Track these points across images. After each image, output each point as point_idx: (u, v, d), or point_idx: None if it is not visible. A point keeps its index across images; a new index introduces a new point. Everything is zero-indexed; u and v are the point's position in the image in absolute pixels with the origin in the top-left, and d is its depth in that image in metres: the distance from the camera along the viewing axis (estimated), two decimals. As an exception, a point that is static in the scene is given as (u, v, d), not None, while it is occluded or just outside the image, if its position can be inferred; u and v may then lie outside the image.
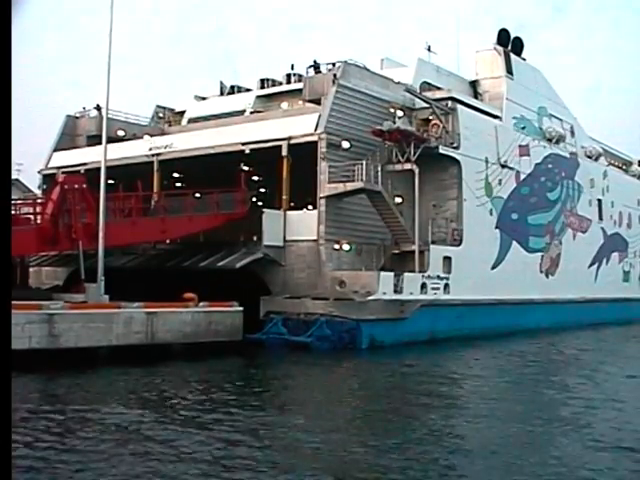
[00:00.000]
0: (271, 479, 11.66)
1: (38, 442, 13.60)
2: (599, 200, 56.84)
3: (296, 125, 35.75)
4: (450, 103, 39.76)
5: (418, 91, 40.08)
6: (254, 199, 42.53)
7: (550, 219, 48.95)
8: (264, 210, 35.56)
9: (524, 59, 50.56)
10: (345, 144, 35.01)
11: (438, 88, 42.22)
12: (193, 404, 18.37)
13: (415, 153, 36.02)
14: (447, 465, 12.79)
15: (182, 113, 52.06)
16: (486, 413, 18.09)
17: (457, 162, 39.20)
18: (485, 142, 41.74)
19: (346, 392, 22.17)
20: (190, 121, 49.94)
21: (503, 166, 43.31)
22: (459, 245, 38.56)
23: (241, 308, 30.88)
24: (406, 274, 33.92)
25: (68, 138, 46.72)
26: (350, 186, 33.74)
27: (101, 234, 29.20)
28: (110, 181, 33.09)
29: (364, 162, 33.71)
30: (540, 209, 47.63)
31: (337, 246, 34.27)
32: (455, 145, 38.96)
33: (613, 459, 13.33)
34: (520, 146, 45.61)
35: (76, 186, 31.40)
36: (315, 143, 34.42)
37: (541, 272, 47.70)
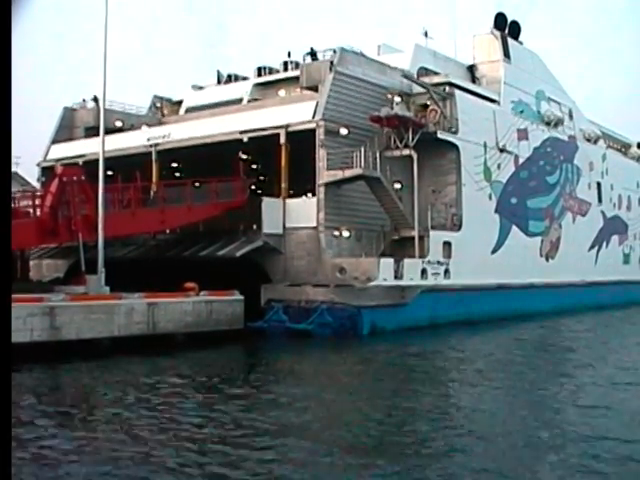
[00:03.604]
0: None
1: (38, 435, 13.66)
2: (598, 183, 56.80)
3: (294, 112, 35.69)
4: (448, 88, 39.66)
5: (415, 76, 39.98)
6: (253, 187, 42.53)
7: (549, 203, 48.95)
8: (263, 198, 35.57)
9: (521, 43, 50.41)
10: (343, 131, 34.97)
11: (435, 73, 42.13)
12: (198, 391, 18.50)
13: (413, 139, 35.99)
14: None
15: (179, 103, 51.95)
16: (480, 398, 18.28)
17: (455, 147, 39.14)
18: (483, 127, 41.67)
19: (347, 378, 22.24)
20: (188, 111, 49.84)
21: (502, 150, 43.25)
22: (459, 230, 38.57)
23: (242, 297, 31.00)
24: (406, 260, 33.94)
25: (66, 130, 46.68)
26: (349, 173, 33.73)
27: (100, 225, 29.20)
28: (109, 172, 33.01)
29: (362, 148, 33.68)
30: (539, 193, 47.61)
31: (337, 233, 34.30)
32: (453, 130, 38.90)
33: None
34: (518, 130, 45.55)
35: (74, 178, 31.37)
36: (313, 130, 34.37)
37: (541, 256, 47.73)
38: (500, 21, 48.72)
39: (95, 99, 44.20)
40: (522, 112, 47.15)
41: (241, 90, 47.88)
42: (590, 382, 20.36)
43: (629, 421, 15.19)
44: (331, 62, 35.56)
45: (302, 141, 34.22)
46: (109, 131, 35.71)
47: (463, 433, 13.89)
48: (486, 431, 14.10)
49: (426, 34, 46.58)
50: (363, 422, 14.82)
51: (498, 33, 47.82)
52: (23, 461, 11.40)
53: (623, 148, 67.63)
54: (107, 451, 12.32)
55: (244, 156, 40.86)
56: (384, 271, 32.24)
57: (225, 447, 12.61)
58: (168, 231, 37.62)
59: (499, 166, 43.06)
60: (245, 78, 50.54)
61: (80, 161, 40.15)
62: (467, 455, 12.30)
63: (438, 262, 36.12)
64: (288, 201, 35.21)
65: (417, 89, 39.21)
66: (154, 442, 12.97)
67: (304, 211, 34.39)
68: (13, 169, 51.22)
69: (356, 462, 11.77)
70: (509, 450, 12.72)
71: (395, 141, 36.23)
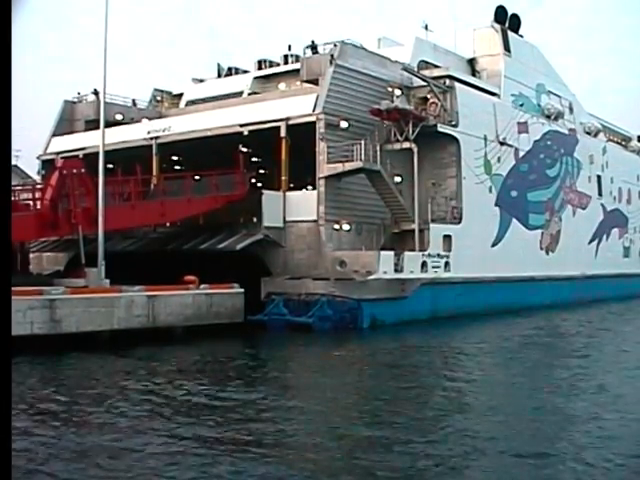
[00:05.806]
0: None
1: (38, 431, 13.66)
2: (598, 176, 56.79)
3: (294, 106, 35.68)
4: (448, 81, 39.60)
5: (416, 70, 39.95)
6: (253, 180, 42.56)
7: (549, 196, 48.96)
8: (263, 191, 35.59)
9: (521, 36, 50.35)
10: (343, 124, 34.97)
11: (436, 66, 42.09)
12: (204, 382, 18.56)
13: (414, 132, 35.99)
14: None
15: (180, 96, 51.89)
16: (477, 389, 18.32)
17: (456, 140, 39.13)
18: (483, 120, 41.64)
19: (346, 371, 22.29)
20: (188, 104, 49.79)
21: (502, 143, 43.25)
22: (459, 223, 38.59)
23: (242, 290, 31.01)
24: (406, 253, 33.98)
25: (66, 123, 46.63)
26: (349, 166, 33.74)
27: (101, 218, 29.19)
28: (109, 165, 33.02)
29: (363, 142, 33.69)
30: (539, 186, 47.61)
31: (337, 226, 34.32)
32: (453, 123, 38.87)
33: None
34: (519, 123, 45.53)
35: (75, 171, 31.33)
36: (313, 123, 34.38)
37: (541, 249, 47.75)
38: (500, 14, 48.65)
39: (95, 92, 44.15)
40: (522, 105, 47.13)
41: (241, 83, 47.84)
42: (592, 379, 20.38)
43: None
44: (331, 55, 35.53)
45: (302, 134, 34.23)
46: (109, 124, 35.68)
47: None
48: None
49: (426, 27, 46.61)
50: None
51: (498, 26, 47.79)
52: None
53: (623, 141, 67.61)
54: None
55: (244, 149, 40.84)
56: (384, 264, 32.29)
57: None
58: (168, 224, 37.61)
59: (499, 159, 43.06)
60: (245, 71, 50.56)
61: (80, 154, 40.08)
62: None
63: (438, 255, 36.17)
64: (288, 194, 35.22)
65: (417, 82, 39.18)
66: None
67: (304, 204, 34.40)
68: (13, 162, 51.19)
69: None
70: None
71: (395, 134, 36.22)
